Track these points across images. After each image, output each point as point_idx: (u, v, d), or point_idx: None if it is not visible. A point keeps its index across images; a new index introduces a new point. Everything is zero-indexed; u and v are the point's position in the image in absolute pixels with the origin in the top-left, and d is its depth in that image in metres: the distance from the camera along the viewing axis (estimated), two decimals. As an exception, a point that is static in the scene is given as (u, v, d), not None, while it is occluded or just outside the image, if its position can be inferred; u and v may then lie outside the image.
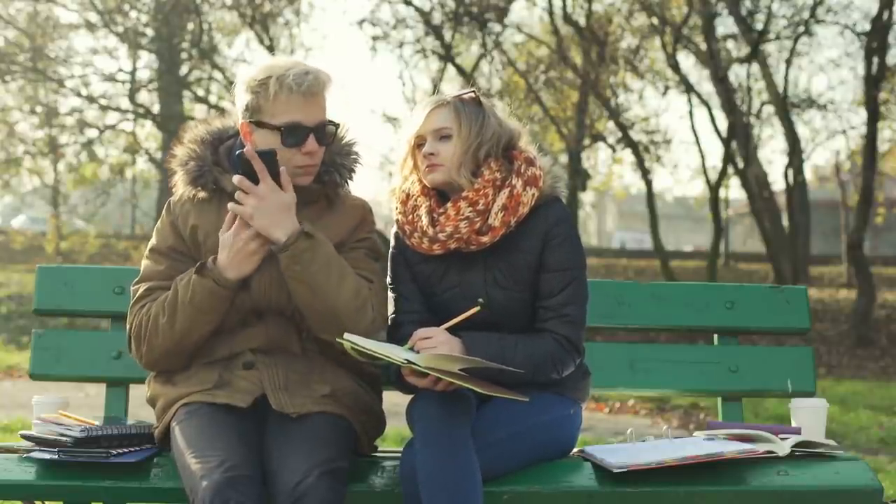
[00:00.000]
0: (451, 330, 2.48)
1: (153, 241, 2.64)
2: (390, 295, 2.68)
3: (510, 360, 2.46)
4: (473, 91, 2.65)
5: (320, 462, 2.26)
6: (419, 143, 2.62)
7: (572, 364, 2.60)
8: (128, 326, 2.57)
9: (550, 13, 16.02)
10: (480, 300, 2.55)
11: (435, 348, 2.41)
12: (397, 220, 2.66)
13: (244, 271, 2.48)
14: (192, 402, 2.46)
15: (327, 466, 2.26)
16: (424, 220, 2.59)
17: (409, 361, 2.31)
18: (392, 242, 2.71)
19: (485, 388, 2.35)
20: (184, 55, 16.82)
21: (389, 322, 2.65)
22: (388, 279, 2.69)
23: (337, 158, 2.67)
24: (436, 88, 16.14)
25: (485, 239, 2.56)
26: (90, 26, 15.74)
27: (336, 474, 2.27)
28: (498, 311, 2.58)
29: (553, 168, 2.67)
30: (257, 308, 2.56)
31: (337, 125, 2.61)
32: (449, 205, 2.58)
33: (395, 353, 2.34)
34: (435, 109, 2.60)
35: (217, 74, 16.96)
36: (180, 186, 2.63)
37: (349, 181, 2.69)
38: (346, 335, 2.33)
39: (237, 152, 2.47)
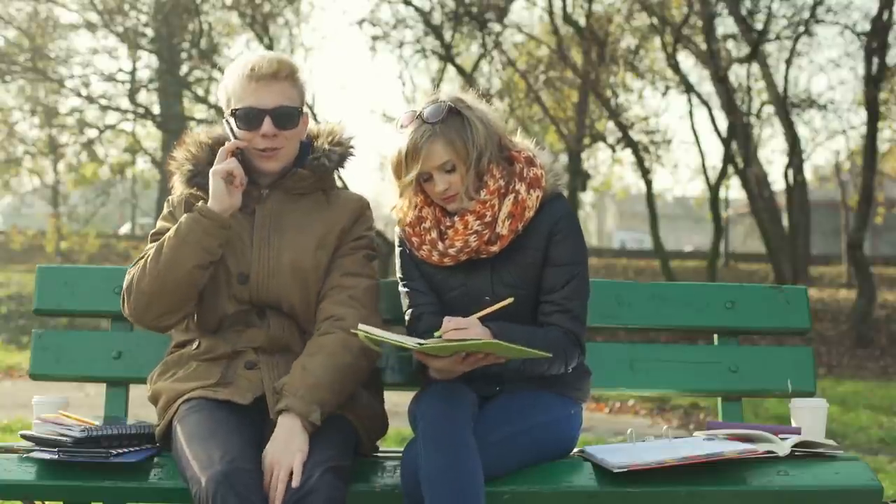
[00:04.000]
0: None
1: (156, 227, 2.68)
2: (403, 290, 2.68)
3: (535, 347, 2.44)
4: (450, 104, 2.55)
5: (323, 460, 2.28)
6: (424, 177, 2.57)
7: (576, 359, 2.60)
8: (123, 287, 2.59)
9: (550, 13, 16.02)
10: (511, 299, 2.52)
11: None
12: (404, 231, 2.64)
13: (215, 191, 2.51)
14: (194, 397, 2.48)
15: (330, 464, 2.27)
16: (433, 234, 2.58)
17: (422, 345, 2.32)
18: (397, 241, 2.70)
19: (510, 346, 2.32)
20: (184, 55, 16.83)
21: (408, 315, 2.65)
22: (399, 275, 2.70)
23: (326, 146, 2.70)
24: (436, 88, 16.11)
25: (494, 248, 2.56)
26: (90, 26, 15.75)
27: (339, 472, 2.28)
28: (504, 309, 2.56)
29: (554, 166, 2.66)
30: (257, 302, 2.57)
31: (300, 110, 2.63)
32: (456, 219, 2.57)
33: (407, 341, 2.35)
34: (429, 145, 2.51)
35: (217, 74, 16.95)
36: (177, 186, 2.69)
37: (340, 167, 2.70)
38: (360, 325, 2.36)
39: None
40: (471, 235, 2.55)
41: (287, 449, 2.31)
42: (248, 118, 2.57)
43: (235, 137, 2.60)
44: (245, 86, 2.57)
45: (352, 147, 2.73)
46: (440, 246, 2.57)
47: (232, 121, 2.60)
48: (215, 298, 2.58)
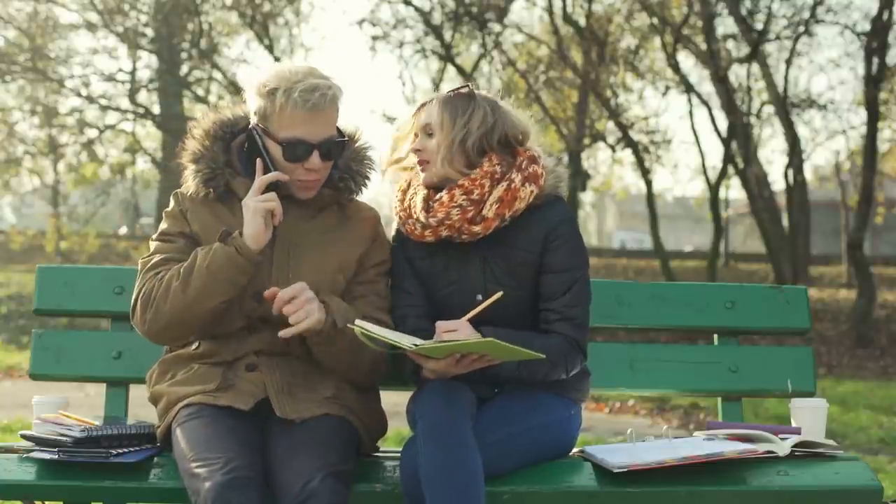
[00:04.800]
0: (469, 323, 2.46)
1: (163, 225, 2.62)
2: (392, 289, 2.67)
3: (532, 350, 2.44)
4: (468, 85, 2.65)
5: (325, 465, 2.26)
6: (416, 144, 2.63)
7: (579, 365, 2.60)
8: (135, 293, 2.53)
9: (550, 13, 16.03)
10: (500, 293, 2.52)
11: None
12: (396, 208, 2.65)
13: (255, 230, 2.45)
14: (194, 402, 2.46)
15: (332, 469, 2.26)
16: (419, 206, 2.58)
17: (417, 346, 2.31)
18: (393, 237, 2.71)
19: (504, 346, 2.31)
20: (184, 55, 16.84)
21: (393, 315, 2.64)
22: (389, 279, 2.68)
23: (352, 165, 2.66)
24: (436, 88, 16.14)
25: (477, 229, 2.55)
26: (90, 26, 15.77)
27: (340, 477, 2.27)
28: (496, 309, 2.55)
29: (557, 168, 2.66)
30: (268, 318, 2.55)
31: (345, 139, 2.60)
32: (444, 192, 2.57)
33: (404, 340, 2.35)
34: (423, 107, 2.62)
35: (217, 74, 16.99)
36: (191, 184, 2.61)
37: (364, 188, 2.68)
38: (357, 321, 2.35)
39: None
40: (454, 209, 2.54)
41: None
42: (298, 152, 2.49)
43: (269, 157, 2.53)
44: (298, 116, 2.47)
45: (372, 161, 2.69)
46: (423, 217, 2.56)
47: (273, 145, 2.51)
48: (226, 312, 2.54)
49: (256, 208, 2.46)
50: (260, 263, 2.49)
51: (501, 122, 2.62)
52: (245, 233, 2.46)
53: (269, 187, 2.52)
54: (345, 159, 2.64)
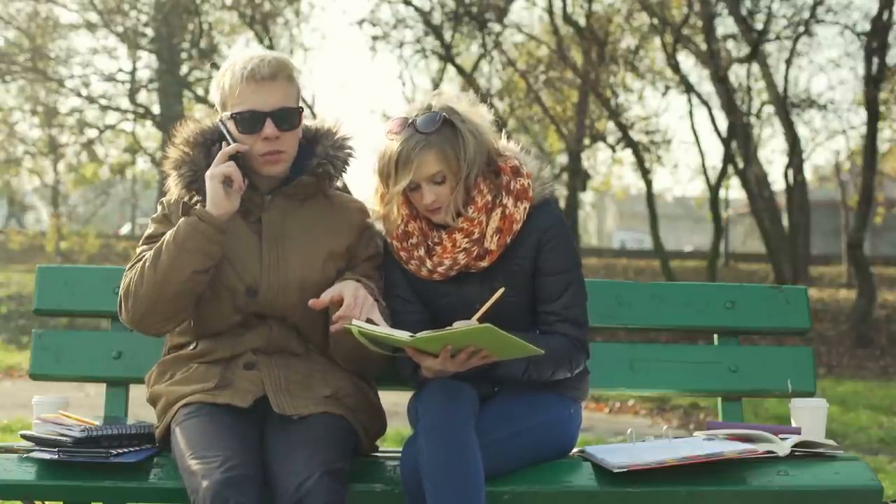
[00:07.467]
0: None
1: (149, 230, 2.66)
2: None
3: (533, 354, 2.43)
4: (444, 115, 2.51)
5: (322, 463, 2.26)
6: (412, 187, 2.53)
7: (583, 363, 2.61)
8: (120, 291, 2.56)
9: (550, 13, 16.04)
10: (503, 289, 2.51)
11: None
12: (392, 245, 2.61)
13: (213, 195, 2.47)
14: (193, 402, 2.46)
15: (329, 467, 2.26)
16: (421, 251, 2.57)
17: (413, 337, 2.30)
18: (384, 248, 2.67)
19: (502, 335, 2.30)
20: (184, 55, 16.85)
21: (393, 323, 2.63)
22: (383, 282, 2.66)
23: (331, 151, 2.66)
24: (436, 88, 16.12)
25: (483, 263, 2.55)
26: (90, 26, 15.79)
27: (337, 475, 2.27)
28: (494, 317, 2.54)
29: (542, 174, 2.62)
30: (261, 313, 2.56)
31: (300, 108, 2.60)
32: (444, 236, 2.55)
33: (399, 334, 2.34)
34: (422, 155, 2.47)
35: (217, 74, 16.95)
36: (174, 189, 2.64)
37: (343, 174, 2.68)
38: (354, 321, 2.35)
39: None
40: (459, 253, 2.53)
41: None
42: (250, 121, 2.53)
43: (234, 141, 2.56)
44: (243, 88, 2.52)
45: (352, 149, 2.69)
46: (428, 263, 2.55)
47: (231, 124, 2.56)
48: (218, 308, 2.55)
49: (213, 174, 2.49)
50: (225, 232, 2.50)
51: (483, 139, 2.55)
52: (207, 201, 2.49)
53: (235, 165, 2.52)
54: (324, 147, 2.65)
